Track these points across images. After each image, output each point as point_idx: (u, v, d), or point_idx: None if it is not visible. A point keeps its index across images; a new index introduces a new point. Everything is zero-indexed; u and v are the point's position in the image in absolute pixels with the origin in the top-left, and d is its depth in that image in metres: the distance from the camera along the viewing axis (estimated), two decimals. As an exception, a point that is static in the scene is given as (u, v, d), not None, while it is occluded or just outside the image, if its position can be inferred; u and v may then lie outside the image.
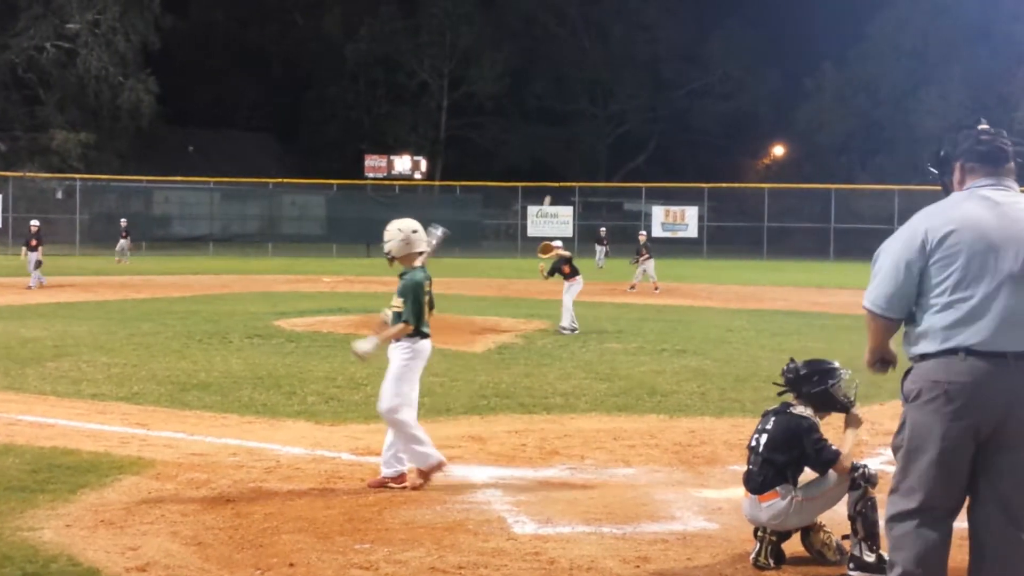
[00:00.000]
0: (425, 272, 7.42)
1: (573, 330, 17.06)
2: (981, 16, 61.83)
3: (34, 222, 28.67)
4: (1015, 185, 4.36)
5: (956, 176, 4.40)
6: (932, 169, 4.52)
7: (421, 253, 7.40)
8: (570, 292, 17.71)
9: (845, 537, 5.64)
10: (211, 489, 7.01)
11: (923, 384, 4.20)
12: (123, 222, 42.54)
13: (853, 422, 5.76)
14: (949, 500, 4.21)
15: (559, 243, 18.85)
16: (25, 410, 9.76)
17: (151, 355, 13.58)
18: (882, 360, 4.48)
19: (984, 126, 4.44)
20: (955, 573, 4.50)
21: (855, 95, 69.28)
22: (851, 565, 5.52)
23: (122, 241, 41.20)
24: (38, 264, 26.53)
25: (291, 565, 5.53)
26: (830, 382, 5.71)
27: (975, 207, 4.22)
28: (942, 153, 4.47)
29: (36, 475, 7.21)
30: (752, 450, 5.74)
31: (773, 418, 5.74)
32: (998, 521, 4.17)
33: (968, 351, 4.10)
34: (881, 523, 5.56)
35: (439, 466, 7.23)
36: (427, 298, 7.40)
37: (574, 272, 18.10)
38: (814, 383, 5.72)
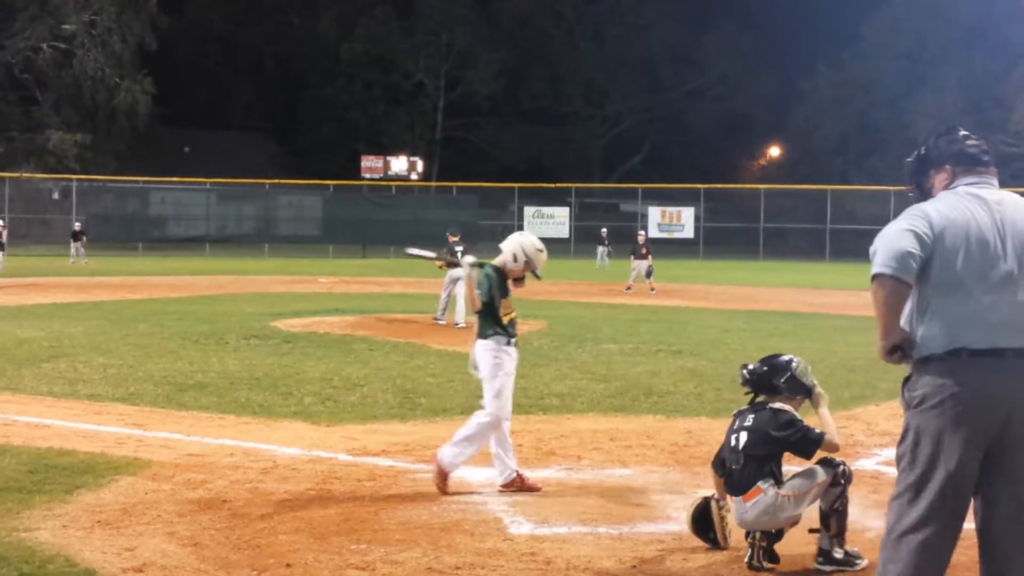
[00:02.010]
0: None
1: (454, 323, 17.58)
2: (976, 17, 61.95)
3: None
4: (996, 183, 4.36)
5: (940, 178, 4.38)
6: (912, 175, 4.49)
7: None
8: (455, 281, 17.86)
9: (813, 531, 5.67)
10: (208, 490, 7.01)
11: (928, 388, 4.13)
12: (77, 225, 41.79)
13: (820, 401, 5.85)
14: (957, 506, 4.14)
15: (452, 230, 19.40)
16: (21, 411, 9.75)
17: (147, 356, 13.57)
18: (897, 345, 4.20)
19: (964, 132, 4.46)
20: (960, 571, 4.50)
21: (850, 96, 69.34)
22: (820, 559, 5.59)
23: (75, 244, 40.34)
24: None
25: (288, 566, 5.53)
26: (793, 367, 5.85)
27: (967, 205, 4.21)
28: (923, 151, 4.45)
29: (32, 476, 7.20)
30: (732, 450, 5.74)
31: (752, 415, 5.78)
32: (1017, 520, 4.14)
33: (971, 351, 4.07)
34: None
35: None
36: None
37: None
38: (780, 373, 5.83)
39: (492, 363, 7.18)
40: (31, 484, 6.99)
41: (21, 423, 9.18)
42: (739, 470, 5.68)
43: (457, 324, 17.38)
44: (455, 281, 17.68)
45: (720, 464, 5.88)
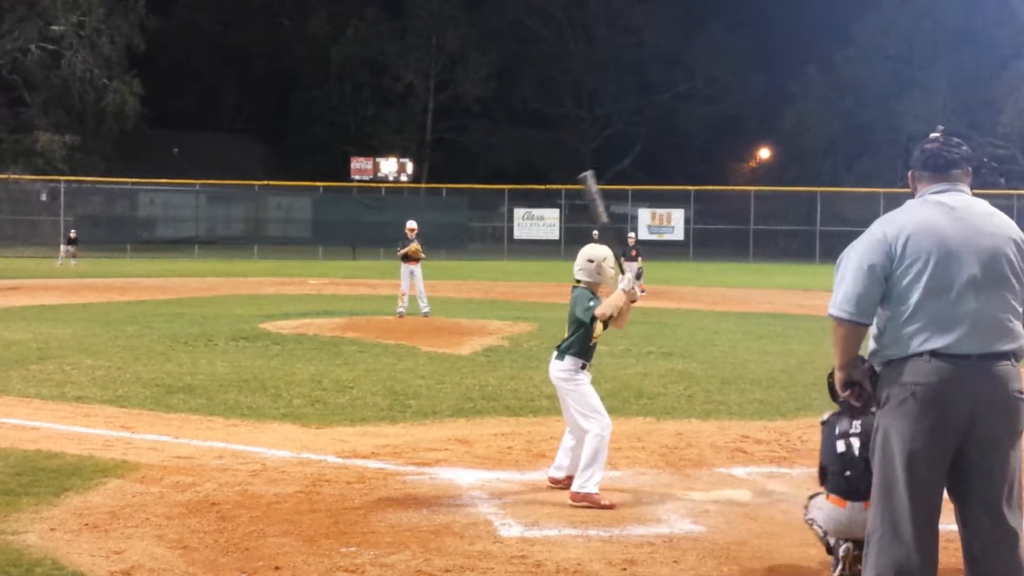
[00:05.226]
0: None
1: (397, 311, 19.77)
2: (965, 20, 62.21)
3: None
4: (967, 190, 4.39)
5: (914, 184, 4.47)
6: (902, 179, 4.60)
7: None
8: (419, 275, 20.12)
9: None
10: (196, 492, 6.98)
11: (893, 388, 4.23)
12: (72, 233, 42.24)
13: None
14: (925, 504, 4.19)
15: (412, 224, 20.70)
16: (9, 413, 9.70)
17: (136, 358, 13.52)
18: (852, 381, 4.38)
19: (935, 135, 4.49)
20: (949, 573, 4.51)
21: (840, 98, 69.58)
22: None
23: (67, 248, 40.98)
24: None
25: (277, 568, 5.50)
26: None
27: (931, 212, 4.28)
28: (904, 158, 4.57)
29: (20, 478, 7.16)
30: (843, 457, 5.37)
31: (857, 420, 5.39)
32: (992, 518, 4.18)
33: (933, 354, 4.15)
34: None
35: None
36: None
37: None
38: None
39: (574, 386, 7.00)
40: (18, 487, 6.95)
41: (8, 425, 9.13)
42: (860, 476, 5.19)
43: (399, 313, 19.51)
44: (412, 273, 19.89)
45: (823, 475, 5.54)
